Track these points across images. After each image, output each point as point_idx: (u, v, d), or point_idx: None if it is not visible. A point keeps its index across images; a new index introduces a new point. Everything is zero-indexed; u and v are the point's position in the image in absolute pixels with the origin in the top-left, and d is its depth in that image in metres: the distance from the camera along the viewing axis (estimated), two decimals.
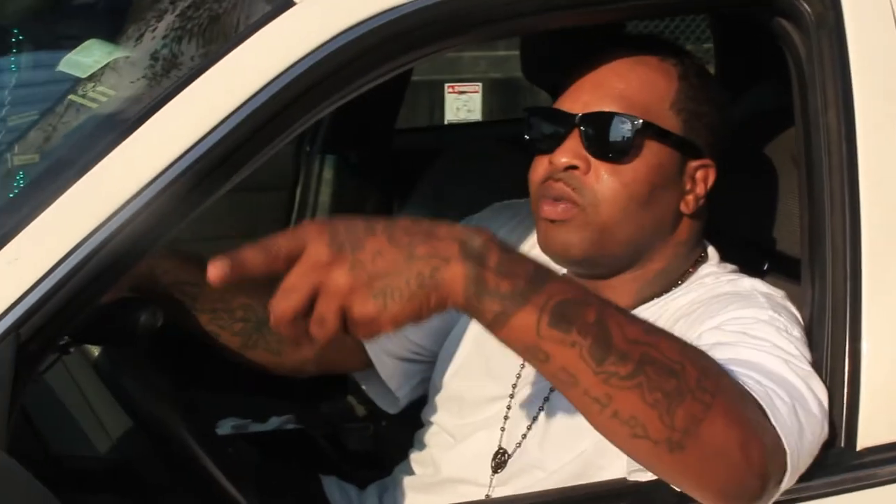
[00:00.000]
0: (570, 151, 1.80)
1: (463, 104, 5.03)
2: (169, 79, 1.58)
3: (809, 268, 1.75)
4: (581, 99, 1.83)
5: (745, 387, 1.45)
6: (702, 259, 1.91)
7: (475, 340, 2.00)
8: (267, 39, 1.52)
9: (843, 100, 1.72)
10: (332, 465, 2.36)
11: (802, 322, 1.72)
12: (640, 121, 1.79)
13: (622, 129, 1.79)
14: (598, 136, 1.80)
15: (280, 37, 1.52)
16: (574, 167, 1.80)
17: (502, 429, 1.90)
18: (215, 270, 1.25)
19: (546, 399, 1.86)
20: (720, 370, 1.43)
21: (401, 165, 3.09)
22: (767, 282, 2.15)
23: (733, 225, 2.27)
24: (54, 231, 1.40)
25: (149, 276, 1.90)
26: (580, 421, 1.77)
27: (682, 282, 1.88)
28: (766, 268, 2.18)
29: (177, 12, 1.77)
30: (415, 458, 2.03)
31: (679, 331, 1.71)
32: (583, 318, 1.32)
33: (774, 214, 2.12)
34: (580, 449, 1.77)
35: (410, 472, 2.02)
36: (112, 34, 1.80)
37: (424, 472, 2.00)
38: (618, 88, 1.82)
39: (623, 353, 1.33)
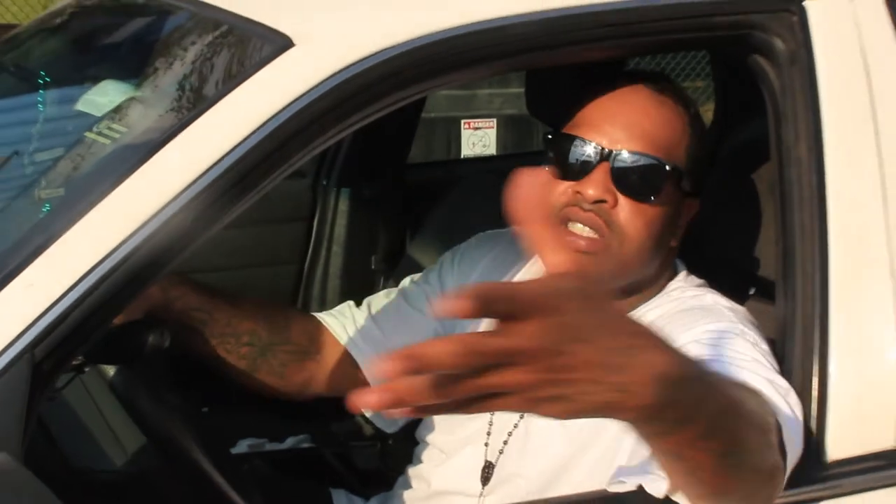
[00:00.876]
0: (600, 185, 1.79)
1: (479, 139, 5.05)
2: (178, 116, 1.59)
3: (783, 289, 1.77)
4: (610, 134, 1.81)
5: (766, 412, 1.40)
6: (671, 275, 1.92)
7: None
8: (268, 78, 1.55)
9: (813, 133, 1.74)
10: (341, 481, 2.38)
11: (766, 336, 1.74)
12: (670, 166, 1.80)
13: (653, 173, 1.80)
14: (630, 176, 1.79)
15: (279, 76, 1.55)
16: (603, 201, 1.79)
17: (486, 443, 1.91)
18: (389, 365, 0.95)
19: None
20: (758, 417, 1.35)
21: (413, 198, 3.10)
22: (753, 304, 2.18)
23: (724, 251, 2.30)
24: (66, 259, 1.43)
25: (162, 302, 1.93)
26: (553, 429, 1.81)
27: (654, 296, 1.89)
28: (752, 292, 2.20)
29: (187, 55, 1.80)
30: (412, 472, 2.05)
31: None
32: (723, 427, 1.20)
33: (759, 241, 2.14)
34: (552, 453, 1.79)
35: (408, 486, 2.04)
36: (126, 75, 1.83)
37: (419, 486, 2.02)
38: (646, 129, 1.82)
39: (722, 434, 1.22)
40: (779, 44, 1.76)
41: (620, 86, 1.86)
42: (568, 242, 1.78)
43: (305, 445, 2.60)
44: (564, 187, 1.82)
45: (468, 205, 2.91)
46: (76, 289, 1.41)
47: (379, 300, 2.17)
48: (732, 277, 2.23)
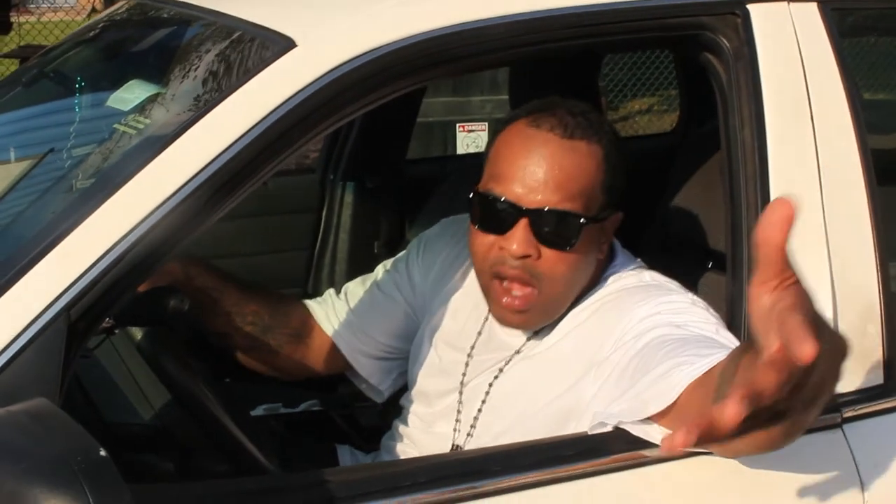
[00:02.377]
0: (522, 241, 1.76)
1: (472, 141, 5.12)
2: (196, 107, 1.64)
3: (731, 261, 1.81)
4: (525, 189, 1.77)
5: None
6: (603, 265, 1.91)
7: (431, 341, 2.05)
8: (274, 73, 1.60)
9: (755, 119, 1.78)
10: (347, 438, 2.44)
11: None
12: (584, 218, 1.78)
13: (569, 225, 1.77)
14: (548, 231, 1.77)
15: (283, 73, 1.60)
16: (527, 255, 1.78)
17: (457, 418, 1.96)
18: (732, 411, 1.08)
19: (487, 392, 1.92)
20: None
21: (411, 190, 3.16)
22: (711, 275, 2.23)
23: (685, 229, 2.36)
24: (97, 232, 1.47)
25: (182, 278, 2.01)
26: (514, 403, 1.83)
27: (591, 288, 1.89)
28: (710, 266, 2.26)
29: (204, 57, 1.86)
30: (400, 435, 2.09)
31: (599, 322, 1.79)
32: None
33: (715, 220, 2.20)
34: (517, 435, 1.78)
35: (399, 444, 2.08)
36: (149, 76, 1.90)
37: (405, 447, 2.06)
38: (559, 181, 1.77)
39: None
40: (725, 42, 1.81)
41: (533, 137, 1.80)
42: (507, 304, 1.81)
43: (316, 409, 2.66)
44: (490, 242, 1.80)
45: (459, 194, 2.95)
46: (106, 258, 1.45)
47: (355, 287, 2.23)
48: (693, 253, 2.30)
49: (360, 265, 3.02)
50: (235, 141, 1.53)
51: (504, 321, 1.87)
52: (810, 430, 1.70)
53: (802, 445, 1.69)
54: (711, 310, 1.75)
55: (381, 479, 1.57)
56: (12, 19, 6.77)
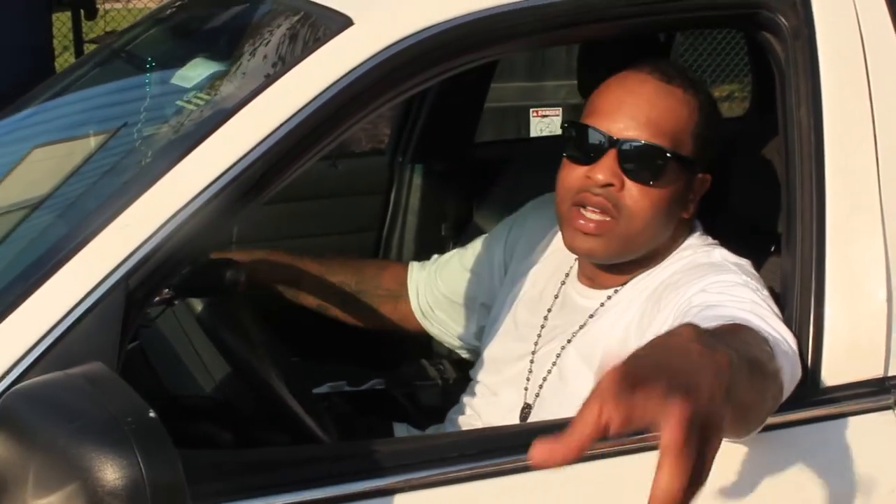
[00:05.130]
0: (608, 170, 1.84)
1: (546, 126, 5.09)
2: (255, 83, 1.67)
3: (786, 239, 1.82)
4: (618, 122, 1.86)
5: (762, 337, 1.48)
6: (686, 236, 1.97)
7: (511, 312, 2.11)
8: (330, 50, 1.64)
9: (812, 98, 1.78)
10: (406, 416, 2.48)
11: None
12: (670, 152, 1.85)
13: (655, 158, 1.85)
14: (634, 161, 1.84)
15: (341, 50, 1.64)
16: (611, 184, 1.85)
17: (525, 387, 1.99)
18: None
19: (558, 355, 1.95)
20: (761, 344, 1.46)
21: (479, 173, 3.18)
22: (776, 259, 2.23)
23: (749, 213, 2.35)
24: (155, 206, 1.51)
25: (258, 267, 2.19)
26: (583, 374, 1.87)
27: (666, 257, 1.93)
28: (773, 249, 2.26)
29: (263, 36, 1.91)
30: (464, 406, 2.13)
31: (664, 295, 1.80)
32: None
33: (778, 204, 2.19)
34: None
35: (462, 416, 2.12)
36: (213, 55, 1.95)
37: (469, 419, 2.10)
38: (651, 118, 1.85)
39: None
40: (783, 21, 1.81)
41: (632, 78, 1.90)
42: (580, 226, 1.87)
43: (379, 388, 2.71)
44: (579, 172, 1.88)
45: (526, 177, 2.98)
46: (163, 230, 1.49)
47: (450, 258, 2.37)
48: (757, 237, 2.29)
49: (428, 247, 3.06)
50: (290, 117, 1.57)
51: (573, 246, 1.91)
52: (860, 412, 1.72)
53: (853, 428, 1.71)
54: (763, 292, 1.75)
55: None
56: (98, 6, 6.92)
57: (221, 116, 1.59)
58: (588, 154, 1.87)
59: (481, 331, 2.25)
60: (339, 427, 2.17)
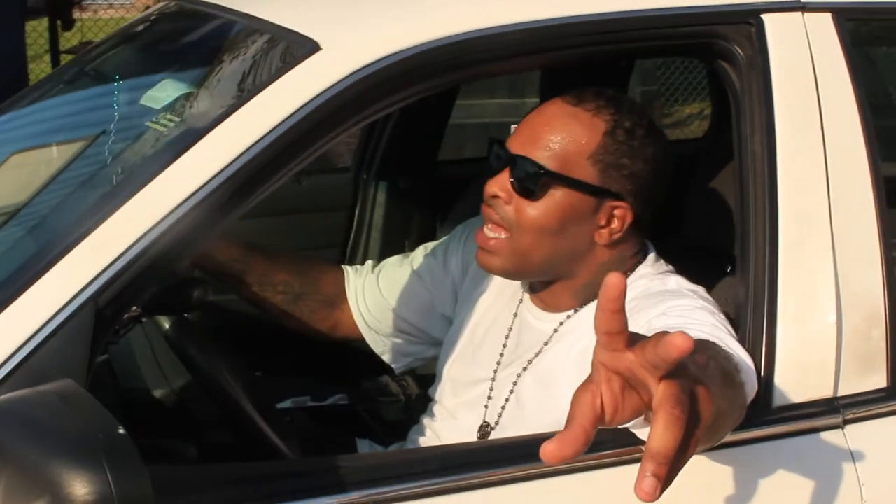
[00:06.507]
0: (498, 183, 1.90)
1: None
2: (223, 106, 1.69)
3: (740, 263, 1.86)
4: (518, 139, 1.91)
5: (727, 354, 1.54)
6: (635, 266, 1.98)
7: (469, 332, 2.12)
8: (298, 75, 1.68)
9: (766, 127, 1.83)
10: (370, 431, 2.52)
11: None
12: (554, 172, 1.86)
13: (538, 176, 1.86)
14: (521, 177, 1.87)
15: (308, 74, 1.67)
16: (497, 196, 1.89)
17: (485, 406, 2.01)
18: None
19: (515, 383, 1.97)
20: (727, 361, 1.51)
21: (442, 190, 3.21)
22: (731, 280, 2.28)
23: (704, 235, 2.40)
24: (125, 225, 1.54)
25: (206, 252, 2.10)
26: (541, 398, 1.89)
27: None
28: (728, 270, 2.31)
29: (232, 59, 1.94)
30: (424, 428, 2.15)
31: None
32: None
33: (732, 225, 2.24)
34: (544, 423, 1.81)
35: (422, 437, 2.14)
36: (181, 76, 1.98)
37: (428, 440, 2.12)
38: (543, 137, 1.88)
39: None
40: (738, 51, 1.86)
41: (550, 101, 1.94)
42: (480, 241, 1.94)
43: (343, 403, 2.74)
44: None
45: None
46: (132, 249, 1.52)
47: (392, 264, 2.33)
48: (712, 258, 2.34)
49: None
50: (259, 140, 1.61)
51: (478, 261, 1.97)
52: (810, 431, 1.77)
53: (803, 446, 1.76)
54: (720, 316, 1.79)
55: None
56: (75, 16, 6.93)
57: (190, 138, 1.63)
58: (493, 169, 1.93)
59: (436, 343, 2.25)
60: (303, 442, 2.21)
